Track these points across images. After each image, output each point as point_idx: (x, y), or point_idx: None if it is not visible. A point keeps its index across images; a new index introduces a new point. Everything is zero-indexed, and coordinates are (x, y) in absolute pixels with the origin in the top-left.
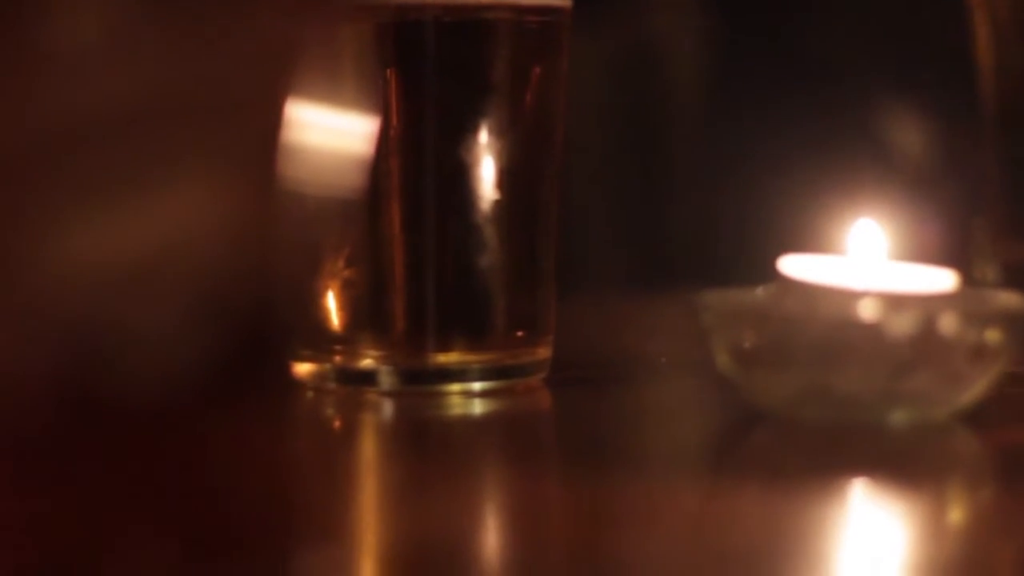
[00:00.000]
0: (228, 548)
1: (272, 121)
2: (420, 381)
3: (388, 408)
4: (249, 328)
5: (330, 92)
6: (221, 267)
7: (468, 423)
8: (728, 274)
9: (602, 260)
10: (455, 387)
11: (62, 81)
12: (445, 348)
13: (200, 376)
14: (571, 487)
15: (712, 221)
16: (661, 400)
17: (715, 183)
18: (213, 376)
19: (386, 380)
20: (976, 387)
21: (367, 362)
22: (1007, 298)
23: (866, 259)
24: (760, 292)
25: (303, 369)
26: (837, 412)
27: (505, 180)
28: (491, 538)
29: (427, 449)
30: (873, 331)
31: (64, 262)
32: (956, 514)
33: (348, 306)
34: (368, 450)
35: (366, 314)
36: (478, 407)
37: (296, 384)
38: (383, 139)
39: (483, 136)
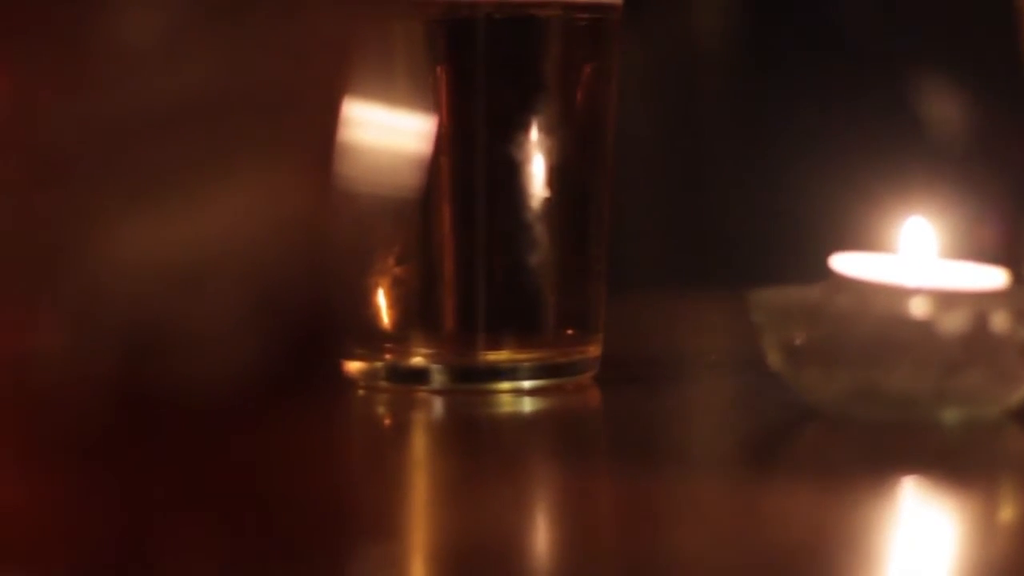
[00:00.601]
0: (281, 547)
1: (329, 118)
2: (471, 379)
3: (439, 406)
4: (304, 327)
5: (384, 90)
6: (277, 265)
7: (518, 421)
8: (780, 272)
9: (652, 258)
10: (505, 385)
11: (119, 78)
12: (495, 346)
13: (255, 375)
14: (621, 485)
15: (764, 219)
16: (712, 398)
17: (767, 181)
18: (268, 375)
19: (437, 378)
20: None
21: (418, 360)
22: None
23: (917, 257)
24: (812, 290)
25: (354, 368)
26: (888, 410)
27: (555, 178)
28: (542, 536)
29: (478, 447)
30: (924, 329)
31: (121, 260)
32: (1008, 513)
33: (399, 304)
34: (419, 448)
35: (417, 312)
36: (528, 405)
37: (348, 383)
38: (433, 137)
39: (534, 134)
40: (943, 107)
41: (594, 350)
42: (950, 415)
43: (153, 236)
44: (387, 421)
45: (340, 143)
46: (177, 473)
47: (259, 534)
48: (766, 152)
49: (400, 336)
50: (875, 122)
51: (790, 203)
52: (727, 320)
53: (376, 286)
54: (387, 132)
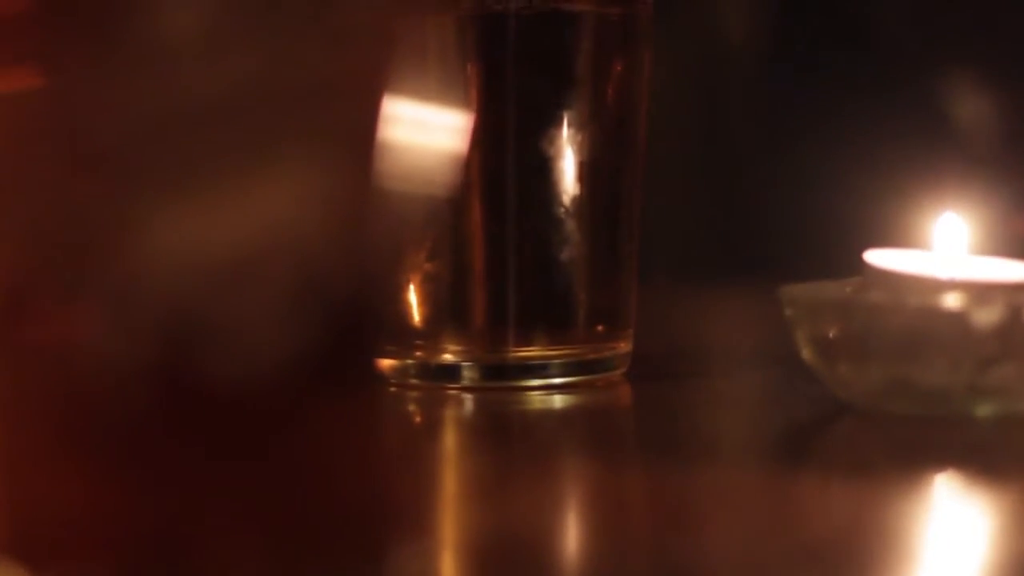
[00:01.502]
0: (315, 542)
1: (369, 112)
2: (501, 376)
3: (469, 403)
4: (342, 322)
5: (420, 86)
6: (319, 258)
7: (549, 418)
8: (812, 268)
9: (684, 254)
10: (536, 382)
11: (160, 71)
12: (526, 343)
13: (293, 369)
14: (653, 481)
15: (796, 215)
16: (743, 393)
17: (800, 177)
18: (306, 369)
19: (467, 375)
20: None
21: (448, 357)
22: None
23: (950, 253)
24: (845, 285)
25: (386, 364)
26: (922, 405)
27: (586, 173)
28: (573, 533)
29: (508, 444)
30: (958, 322)
31: (161, 252)
32: None
33: (430, 301)
34: (450, 446)
35: (447, 309)
36: (559, 402)
37: (379, 379)
38: (467, 133)
39: (565, 129)
40: (974, 102)
41: (625, 346)
42: (983, 409)
43: (194, 228)
44: (418, 418)
45: (378, 138)
46: (213, 467)
47: (294, 529)
48: (798, 147)
49: (431, 333)
50: (907, 117)
51: (823, 199)
52: (760, 315)
53: (407, 283)
54: (423, 128)
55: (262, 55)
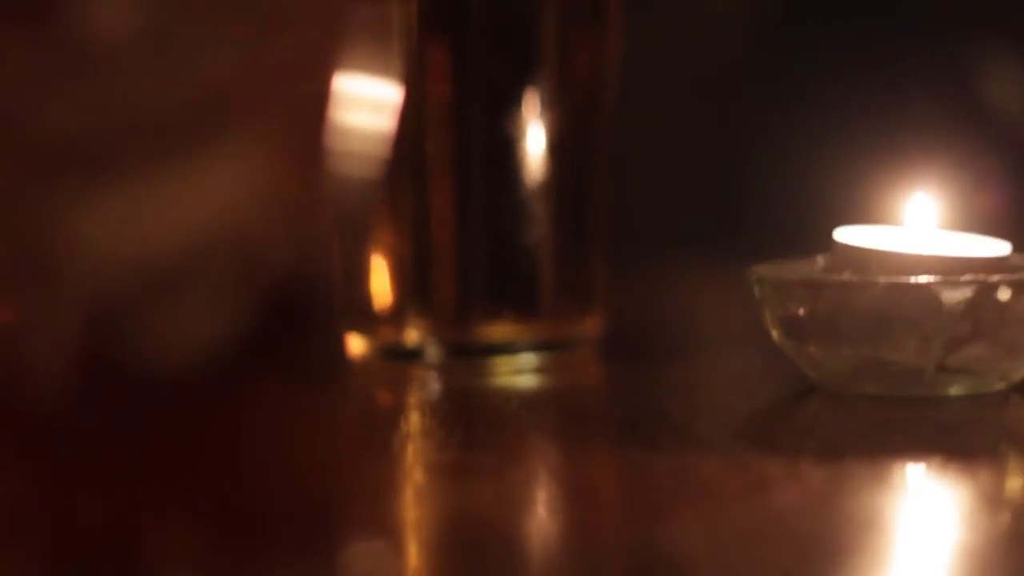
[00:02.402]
0: (259, 530)
1: (312, 97)
2: (467, 355)
3: (435, 383)
4: (291, 302)
5: (376, 64)
6: (260, 243)
7: (516, 397)
8: (785, 247)
9: (657, 232)
10: (503, 361)
11: (95, 60)
12: (493, 322)
13: (238, 356)
14: (618, 462)
15: (769, 194)
16: (714, 374)
17: (772, 155)
18: (255, 352)
19: (433, 354)
20: None
21: (414, 336)
22: None
23: (921, 230)
24: (814, 262)
25: (351, 344)
26: (892, 385)
27: (553, 153)
28: (539, 515)
29: (474, 424)
30: (928, 299)
31: (93, 238)
32: (1013, 486)
33: (395, 280)
34: (414, 426)
35: (413, 288)
36: (526, 381)
37: (343, 360)
38: (429, 111)
39: (531, 108)
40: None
41: (593, 325)
42: (954, 389)
43: (126, 216)
44: (382, 398)
45: (333, 119)
46: (157, 454)
47: (240, 518)
48: (768, 126)
49: (396, 312)
50: (878, 95)
51: (794, 178)
52: (731, 295)
53: (373, 262)
54: (378, 107)
55: (197, 42)
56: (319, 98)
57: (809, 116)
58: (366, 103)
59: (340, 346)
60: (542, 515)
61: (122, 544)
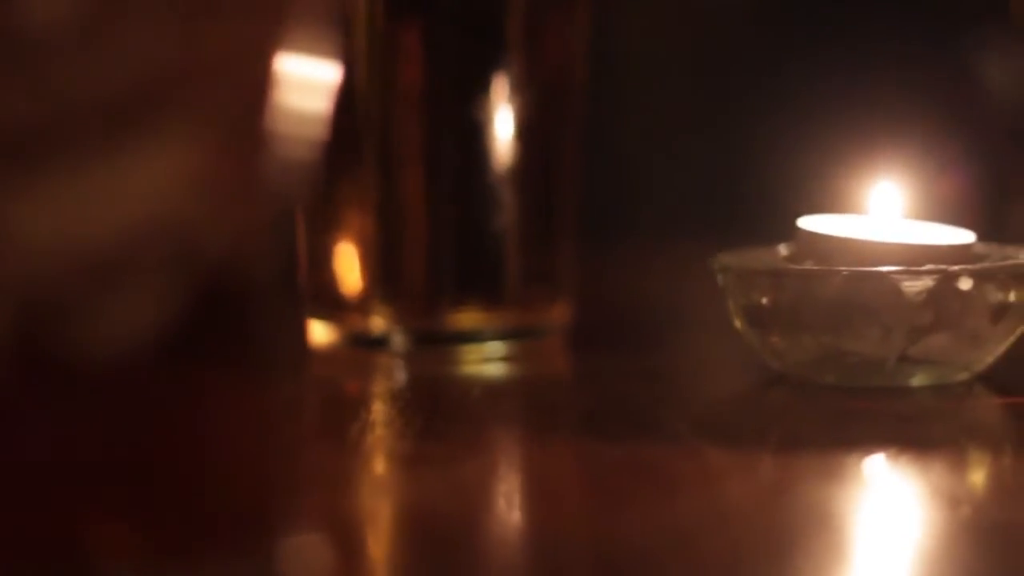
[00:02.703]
0: (201, 520)
1: (252, 80)
2: (434, 343)
3: (400, 371)
4: (229, 290)
5: (318, 47)
6: (197, 228)
7: (480, 386)
8: (751, 235)
9: (625, 221)
10: (470, 349)
11: (32, 54)
12: (460, 309)
13: (177, 341)
14: (580, 452)
15: (737, 181)
16: (678, 363)
17: (735, 143)
18: (194, 341)
19: (399, 342)
20: (997, 348)
21: (380, 324)
22: None
23: (885, 219)
24: (777, 251)
25: (315, 331)
26: (855, 375)
27: (521, 137)
28: (504, 507)
29: (440, 414)
30: (889, 289)
31: (23, 231)
32: (976, 478)
33: (361, 267)
34: (378, 415)
35: (380, 275)
36: (493, 370)
37: (298, 347)
38: (396, 96)
39: (499, 93)
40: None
41: (561, 313)
42: (917, 379)
43: (60, 200)
44: (345, 388)
45: (266, 104)
46: (93, 445)
47: (179, 509)
48: (735, 116)
49: (362, 299)
50: (842, 81)
51: (760, 166)
52: (702, 283)
53: (337, 249)
54: (314, 89)
55: (130, 31)
56: (254, 85)
57: (774, 105)
58: (306, 86)
59: (291, 334)
60: (494, 505)
61: (55, 540)
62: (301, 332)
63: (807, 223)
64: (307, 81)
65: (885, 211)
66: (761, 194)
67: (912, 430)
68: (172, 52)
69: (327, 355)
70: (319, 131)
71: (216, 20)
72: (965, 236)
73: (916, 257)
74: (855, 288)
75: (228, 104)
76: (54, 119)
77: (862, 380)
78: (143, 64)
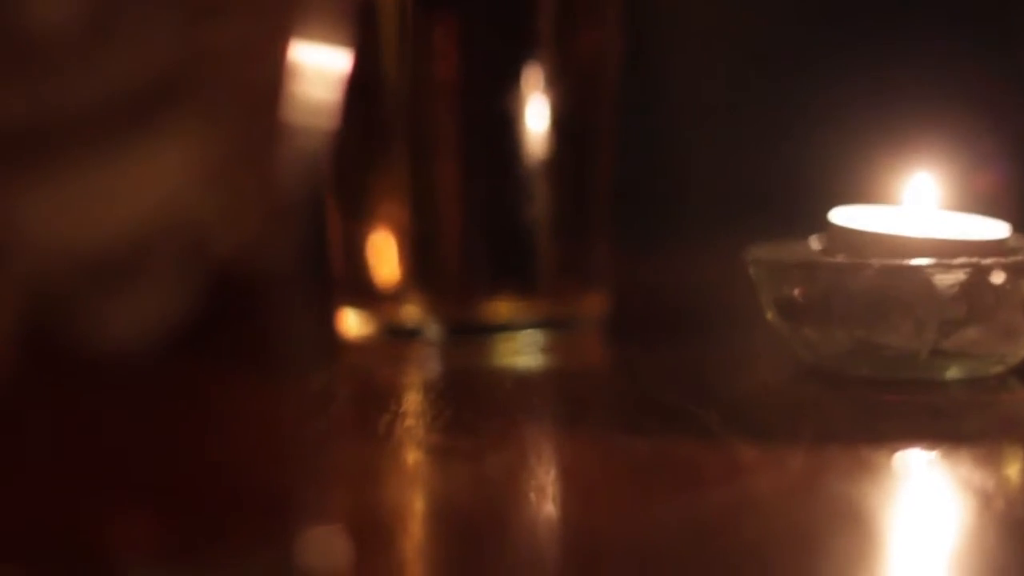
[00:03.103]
0: (221, 514)
1: (262, 76)
2: (468, 333)
3: (434, 362)
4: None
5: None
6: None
7: (516, 377)
8: (784, 227)
9: (659, 212)
10: (504, 340)
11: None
12: (494, 300)
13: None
14: (606, 446)
15: (770, 173)
16: (712, 356)
17: (771, 136)
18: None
19: (433, 332)
20: None
21: (414, 314)
22: None
23: (919, 211)
24: (809, 244)
25: (348, 322)
26: (887, 368)
27: (555, 131)
28: (535, 500)
29: (473, 405)
30: (922, 282)
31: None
32: (1010, 471)
33: (396, 258)
34: (409, 406)
35: (414, 266)
36: (527, 360)
37: (340, 338)
38: (430, 89)
39: (533, 85)
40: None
41: (595, 305)
42: (952, 372)
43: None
44: (376, 379)
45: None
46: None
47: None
48: (770, 108)
49: (396, 291)
50: (878, 75)
51: (794, 158)
52: (737, 275)
53: (372, 240)
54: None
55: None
56: (264, 81)
57: (811, 95)
58: (320, 76)
59: (322, 325)
60: (524, 499)
61: (65, 535)
62: (332, 323)
63: (840, 216)
64: (321, 71)
65: (920, 203)
66: (798, 185)
67: (945, 424)
68: (181, 48)
69: (360, 346)
70: (332, 122)
71: (227, 12)
72: (1000, 229)
73: (949, 251)
74: (887, 282)
75: (240, 100)
76: (63, 116)
77: (894, 373)
78: (151, 60)
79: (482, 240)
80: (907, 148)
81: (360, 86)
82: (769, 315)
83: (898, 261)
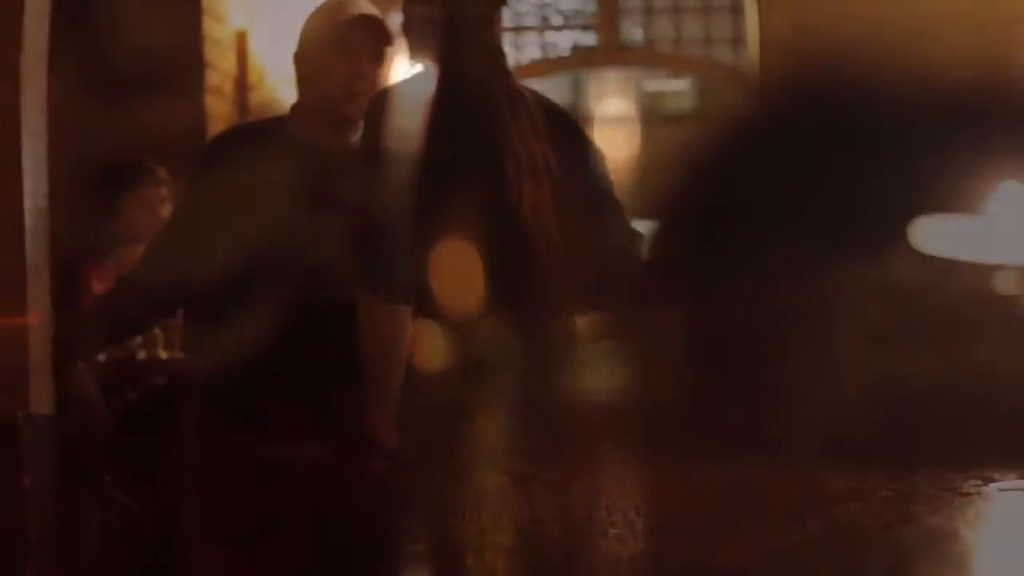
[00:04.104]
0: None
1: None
2: (547, 354)
3: (509, 383)
4: None
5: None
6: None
7: (597, 401)
8: (877, 240)
9: (755, 235)
10: (585, 362)
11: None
12: (574, 322)
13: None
14: (700, 472)
15: (858, 183)
16: (798, 380)
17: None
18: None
19: (511, 352)
20: None
21: (493, 333)
22: None
23: (1007, 225)
24: (890, 264)
25: (423, 341)
26: (971, 392)
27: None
28: (616, 528)
29: (551, 430)
30: (1007, 307)
31: None
32: None
33: (476, 276)
34: (485, 430)
35: (495, 284)
36: (608, 383)
37: (415, 357)
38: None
39: None
40: None
41: (674, 327)
42: None
43: None
44: (450, 400)
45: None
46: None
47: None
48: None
49: (476, 308)
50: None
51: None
52: (821, 297)
53: (450, 257)
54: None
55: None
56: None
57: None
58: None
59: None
60: (604, 526)
61: None
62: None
63: (922, 233)
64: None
65: (1008, 216)
66: (883, 196)
67: None
68: None
69: (435, 365)
70: (414, 146)
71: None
72: None
73: None
74: (969, 307)
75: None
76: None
77: (979, 396)
78: None
79: (564, 263)
80: (998, 158)
81: None
82: (851, 338)
83: (983, 286)
